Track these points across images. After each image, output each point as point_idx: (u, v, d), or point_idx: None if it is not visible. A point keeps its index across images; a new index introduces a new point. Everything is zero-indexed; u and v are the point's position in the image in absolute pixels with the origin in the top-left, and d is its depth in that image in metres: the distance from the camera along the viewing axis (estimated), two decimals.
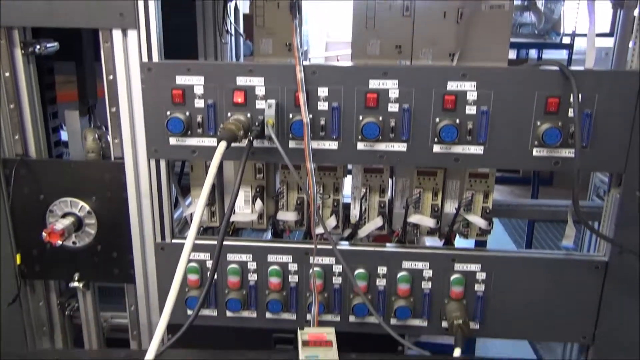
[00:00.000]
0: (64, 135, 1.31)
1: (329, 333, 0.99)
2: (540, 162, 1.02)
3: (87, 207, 1.18)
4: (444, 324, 1.13)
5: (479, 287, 1.11)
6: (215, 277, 1.13)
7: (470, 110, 1.00)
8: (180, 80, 1.04)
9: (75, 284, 1.22)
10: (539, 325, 1.12)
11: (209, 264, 1.13)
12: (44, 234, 1.12)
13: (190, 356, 0.98)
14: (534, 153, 1.02)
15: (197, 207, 0.87)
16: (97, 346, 1.32)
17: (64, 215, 1.18)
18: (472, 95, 1.00)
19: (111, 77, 1.08)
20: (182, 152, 1.08)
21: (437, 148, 1.03)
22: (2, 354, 0.95)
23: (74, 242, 1.19)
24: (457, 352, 1.03)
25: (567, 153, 1.01)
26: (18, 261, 1.22)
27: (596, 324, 1.10)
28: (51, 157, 1.24)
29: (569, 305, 1.10)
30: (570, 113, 0.98)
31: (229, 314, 1.16)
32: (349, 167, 1.19)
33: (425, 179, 1.14)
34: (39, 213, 1.18)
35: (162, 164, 1.11)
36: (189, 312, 1.14)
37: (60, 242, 1.13)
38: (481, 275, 1.10)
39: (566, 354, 1.33)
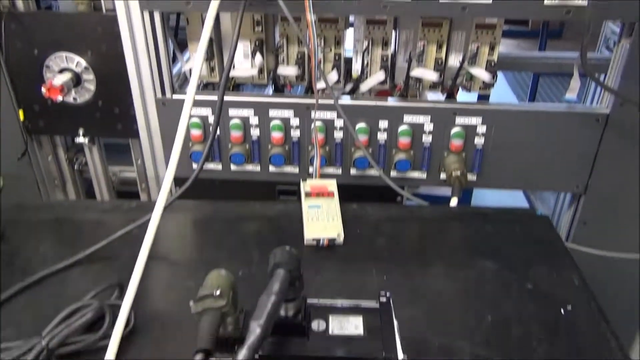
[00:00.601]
0: None
1: (331, 184, 1.03)
2: (551, 11, 0.97)
3: (84, 63, 1.15)
4: (443, 175, 1.16)
5: (479, 140, 1.12)
6: (218, 132, 1.15)
7: None
8: None
9: (81, 139, 1.24)
10: (535, 176, 1.16)
11: (211, 119, 1.14)
12: (43, 89, 1.11)
13: (198, 206, 1.02)
14: (545, 1, 0.97)
15: (195, 61, 0.85)
16: (109, 198, 1.37)
17: (61, 71, 1.16)
18: None
19: None
20: (176, 3, 1.03)
21: None
22: (19, 205, 0.99)
23: (74, 99, 1.19)
24: (453, 201, 1.08)
25: (580, 1, 0.96)
26: (21, 117, 1.23)
27: (590, 174, 1.13)
28: (40, 9, 1.19)
29: (565, 156, 1.12)
30: None
31: (233, 167, 1.19)
32: (351, 19, 1.14)
33: (429, 31, 1.10)
34: (35, 69, 1.16)
35: (156, 16, 1.06)
36: (194, 165, 1.17)
37: (60, 98, 1.12)
38: (482, 129, 1.11)
39: (558, 203, 1.39)
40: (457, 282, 0.84)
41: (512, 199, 2.04)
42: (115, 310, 0.71)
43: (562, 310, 0.78)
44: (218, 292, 0.53)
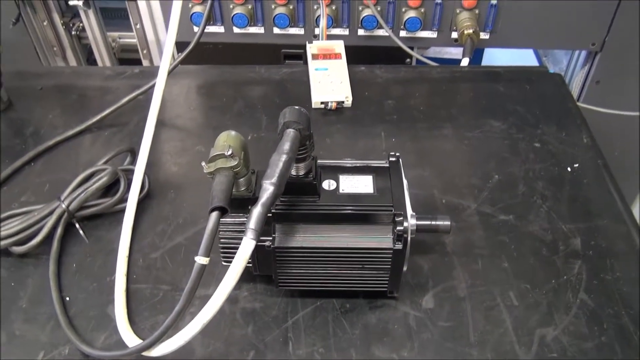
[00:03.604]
0: None
1: (338, 45, 0.99)
2: None
3: None
4: (454, 35, 1.11)
5: None
6: None
7: None
8: None
9: (75, 2, 1.19)
10: (550, 33, 1.11)
11: None
12: None
13: (203, 71, 1.00)
14: None
15: None
16: (110, 65, 1.34)
17: None
18: None
19: None
20: None
21: None
22: (20, 72, 0.97)
23: None
24: (464, 61, 1.05)
25: None
26: None
27: (609, 30, 1.08)
28: None
29: (583, 12, 1.06)
30: None
31: (235, 30, 1.14)
32: None
33: None
34: None
35: None
36: (195, 29, 1.12)
37: None
38: None
39: (571, 63, 1.35)
40: (465, 143, 0.84)
41: (524, 60, 1.98)
42: (128, 174, 0.72)
43: (568, 169, 0.79)
44: (230, 152, 0.53)
